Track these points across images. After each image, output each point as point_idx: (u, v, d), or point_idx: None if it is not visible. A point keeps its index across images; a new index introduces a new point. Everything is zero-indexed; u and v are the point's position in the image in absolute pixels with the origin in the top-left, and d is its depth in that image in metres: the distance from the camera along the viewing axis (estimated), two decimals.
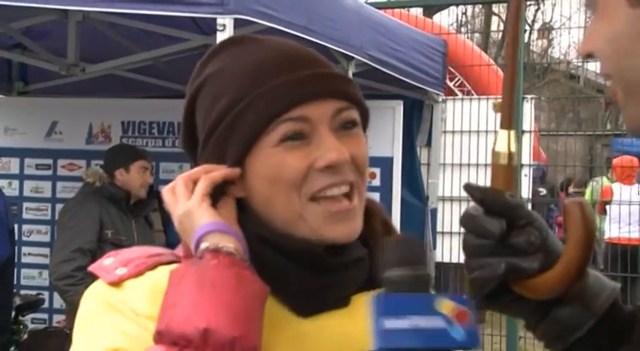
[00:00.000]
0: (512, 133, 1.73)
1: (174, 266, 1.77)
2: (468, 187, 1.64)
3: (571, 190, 19.33)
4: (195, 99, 1.87)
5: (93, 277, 1.85)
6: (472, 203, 1.66)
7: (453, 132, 9.58)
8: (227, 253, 1.65)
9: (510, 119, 1.74)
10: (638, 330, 1.60)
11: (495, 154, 1.71)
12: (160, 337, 1.60)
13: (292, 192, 1.76)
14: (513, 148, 1.72)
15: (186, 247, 1.82)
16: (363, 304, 1.67)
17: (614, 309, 1.64)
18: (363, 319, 1.57)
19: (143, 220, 7.86)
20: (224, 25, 5.51)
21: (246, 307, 1.62)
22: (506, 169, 1.71)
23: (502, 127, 1.72)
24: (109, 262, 1.82)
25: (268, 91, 1.77)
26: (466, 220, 1.64)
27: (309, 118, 1.76)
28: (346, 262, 1.81)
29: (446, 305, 1.49)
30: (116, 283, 1.78)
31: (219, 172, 1.78)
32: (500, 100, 1.76)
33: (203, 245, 1.68)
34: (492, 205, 1.62)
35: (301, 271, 1.78)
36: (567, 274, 1.59)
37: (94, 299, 1.81)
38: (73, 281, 7.17)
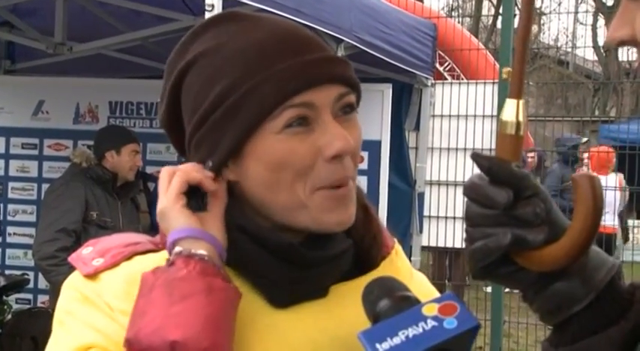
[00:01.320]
0: (522, 102, 1.71)
1: (150, 256, 1.78)
2: (476, 156, 1.63)
3: None
4: (182, 78, 1.83)
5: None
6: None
7: (442, 116, 9.59)
8: (199, 260, 1.64)
9: (520, 88, 1.72)
10: (636, 307, 1.60)
11: (502, 124, 1.69)
12: (129, 345, 1.60)
13: (298, 180, 1.73)
14: (521, 118, 1.70)
15: (162, 237, 1.82)
16: (341, 294, 1.74)
17: (613, 285, 1.63)
18: (339, 309, 1.64)
19: (130, 202, 7.87)
20: (212, 5, 5.54)
21: (216, 317, 1.61)
22: (514, 139, 1.69)
23: (511, 96, 1.71)
24: (87, 252, 1.81)
25: (273, 75, 1.73)
26: (471, 188, 1.64)
27: (314, 104, 1.73)
28: (328, 256, 1.79)
29: (429, 308, 1.53)
30: (92, 275, 1.77)
31: (198, 174, 1.74)
32: (510, 69, 1.75)
33: (176, 249, 1.67)
34: (499, 175, 1.61)
35: (279, 264, 1.77)
36: (574, 247, 1.59)
37: (70, 291, 1.80)
38: (56, 261, 7.20)
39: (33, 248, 7.64)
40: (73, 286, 1.79)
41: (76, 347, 1.74)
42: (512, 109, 1.68)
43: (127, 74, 8.95)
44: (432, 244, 10.11)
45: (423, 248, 10.18)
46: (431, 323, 1.50)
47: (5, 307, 8.62)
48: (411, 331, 1.49)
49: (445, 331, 1.49)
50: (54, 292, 7.35)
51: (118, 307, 1.73)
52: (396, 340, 1.48)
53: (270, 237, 1.77)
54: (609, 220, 13.39)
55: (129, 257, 1.78)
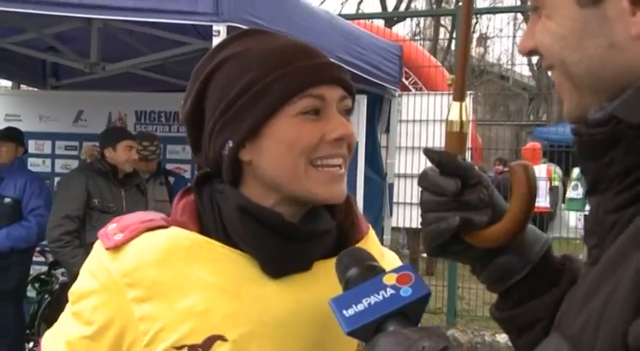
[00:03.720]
0: (464, 104, 1.72)
1: (159, 231, 1.77)
2: (427, 151, 1.63)
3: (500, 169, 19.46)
4: (210, 77, 1.81)
5: (80, 240, 1.85)
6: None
7: (407, 121, 9.63)
8: None
9: (462, 92, 1.74)
10: (565, 276, 1.60)
11: (449, 123, 1.70)
12: None
13: (302, 156, 1.74)
14: (465, 117, 1.71)
15: (172, 216, 1.84)
16: (322, 269, 1.74)
17: (547, 257, 1.64)
18: (319, 282, 1.63)
19: (135, 188, 7.75)
20: (219, 31, 5.49)
21: None
22: (459, 136, 1.70)
23: (455, 99, 1.72)
24: (111, 228, 1.80)
25: (294, 70, 1.75)
26: (423, 179, 1.64)
27: (325, 97, 1.75)
28: (316, 232, 1.79)
29: (389, 277, 1.53)
30: (111, 248, 1.75)
31: None
32: (454, 76, 1.77)
33: None
34: (447, 166, 1.61)
35: (276, 239, 1.76)
36: (512, 227, 1.59)
37: (93, 260, 1.81)
38: (61, 244, 7.15)
39: (46, 232, 7.55)
40: (96, 258, 1.80)
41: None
42: (456, 110, 1.70)
43: (150, 88, 8.92)
44: (400, 225, 10.16)
45: (393, 229, 10.20)
46: (390, 291, 1.50)
47: (53, 279, 8.64)
48: (373, 299, 1.49)
49: (401, 298, 1.49)
50: (68, 271, 7.36)
51: (124, 271, 1.73)
52: (360, 307, 1.48)
53: (270, 216, 1.75)
54: (540, 202, 13.55)
55: (143, 232, 1.76)
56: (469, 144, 9.42)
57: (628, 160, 1.24)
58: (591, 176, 1.33)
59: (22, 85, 10.10)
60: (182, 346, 1.70)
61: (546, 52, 1.37)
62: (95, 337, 1.77)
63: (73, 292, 1.83)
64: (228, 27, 5.51)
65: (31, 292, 8.46)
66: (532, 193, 1.58)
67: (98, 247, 1.80)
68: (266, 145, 1.75)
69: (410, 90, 12.66)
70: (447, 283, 10.02)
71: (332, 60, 1.83)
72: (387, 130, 9.36)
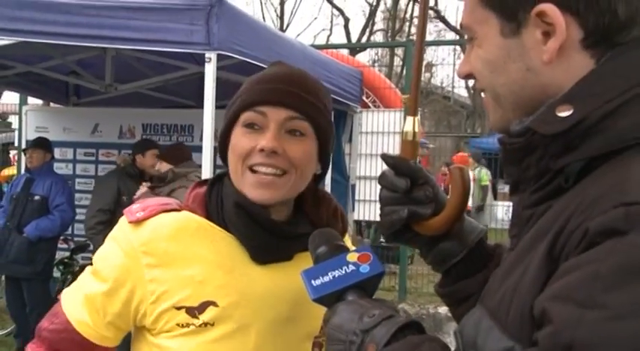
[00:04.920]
0: (416, 118, 1.73)
1: (173, 213, 1.81)
2: (384, 156, 1.63)
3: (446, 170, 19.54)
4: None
5: (110, 229, 1.86)
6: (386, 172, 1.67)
7: (367, 133, 9.61)
8: None
9: (415, 108, 1.74)
10: (495, 259, 1.60)
11: (404, 133, 1.70)
12: None
13: (239, 161, 1.76)
14: (417, 129, 1.71)
15: (185, 203, 1.87)
16: (301, 259, 1.74)
17: (481, 244, 1.66)
18: (296, 270, 1.61)
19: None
20: (210, 58, 5.47)
21: None
22: (411, 144, 1.71)
23: (409, 114, 1.73)
24: (135, 207, 1.83)
25: (256, 90, 1.78)
26: (382, 178, 1.64)
27: (267, 114, 1.75)
28: (295, 234, 1.80)
29: (351, 256, 1.54)
30: (134, 222, 1.78)
31: None
32: (408, 96, 1.78)
33: None
34: (400, 168, 1.62)
35: (263, 232, 1.77)
36: (450, 218, 1.60)
37: (117, 231, 1.83)
38: (95, 231, 7.25)
39: (84, 222, 7.65)
40: (120, 227, 1.82)
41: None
42: (410, 123, 1.70)
43: (155, 105, 8.85)
44: (361, 218, 10.16)
45: (355, 221, 10.21)
46: (351, 268, 1.52)
47: (74, 262, 8.56)
48: (337, 273, 1.51)
49: (360, 274, 1.51)
50: (96, 250, 7.29)
51: (141, 242, 1.76)
52: (326, 279, 1.51)
53: (259, 213, 1.77)
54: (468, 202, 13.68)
55: (160, 212, 1.79)
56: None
57: (541, 165, 1.25)
58: (513, 178, 1.33)
59: (50, 103, 10.04)
60: (181, 307, 1.73)
61: (478, 75, 1.37)
62: (110, 292, 1.79)
63: (98, 255, 1.85)
64: (218, 55, 5.52)
65: (56, 274, 8.40)
66: (466, 190, 1.60)
67: (122, 221, 1.82)
68: (229, 152, 1.81)
69: (369, 107, 12.62)
70: (400, 266, 10.02)
71: (302, 91, 1.80)
72: (350, 140, 9.36)
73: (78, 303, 1.84)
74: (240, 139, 1.76)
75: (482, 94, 1.38)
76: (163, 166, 6.85)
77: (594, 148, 1.18)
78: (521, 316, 1.15)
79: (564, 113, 1.20)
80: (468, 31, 1.37)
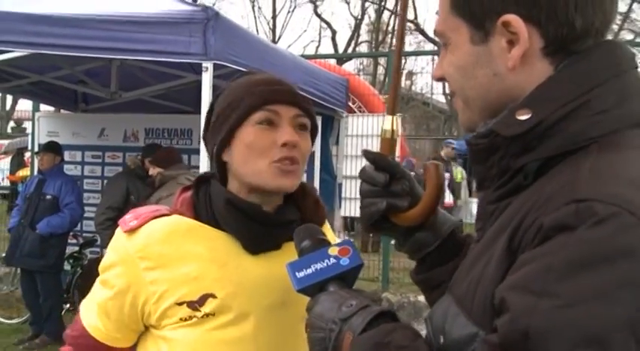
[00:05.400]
0: (395, 117, 1.72)
1: (163, 218, 1.81)
2: (365, 152, 1.64)
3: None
4: (215, 102, 1.87)
5: (117, 225, 1.87)
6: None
7: (352, 136, 9.59)
8: None
9: (394, 108, 1.74)
10: (465, 249, 1.61)
11: (383, 131, 1.69)
12: None
13: (259, 156, 1.75)
14: (395, 127, 1.71)
15: (173, 207, 1.87)
16: (289, 248, 1.72)
17: (453, 234, 1.66)
18: (285, 259, 1.61)
19: None
20: (207, 67, 5.48)
21: None
22: (390, 141, 1.70)
23: (388, 113, 1.72)
24: (128, 217, 1.83)
25: (259, 91, 1.78)
26: (362, 173, 1.64)
27: (279, 112, 1.76)
28: (284, 221, 1.80)
29: (333, 249, 1.55)
30: (128, 231, 1.79)
31: None
32: (387, 96, 1.78)
33: None
34: (380, 164, 1.62)
35: (253, 224, 1.78)
36: (425, 210, 1.60)
37: (115, 241, 1.84)
38: (104, 227, 7.27)
39: (94, 218, 7.67)
40: (117, 238, 1.83)
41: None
42: (389, 122, 1.69)
43: (156, 111, 8.84)
44: (347, 214, 10.15)
45: (342, 217, 10.21)
46: (332, 260, 1.52)
47: (83, 256, 8.59)
48: (319, 265, 1.51)
49: (340, 266, 1.51)
50: (104, 245, 7.39)
51: (136, 250, 1.76)
52: (309, 271, 1.51)
53: (249, 206, 1.77)
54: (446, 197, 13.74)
55: (151, 219, 1.80)
56: (399, 152, 9.44)
57: (502, 164, 1.26)
58: (478, 176, 1.34)
59: (60, 110, 10.02)
60: (182, 302, 1.74)
61: (450, 79, 1.37)
62: (117, 297, 1.80)
63: (102, 265, 1.86)
64: (214, 64, 5.52)
65: (66, 267, 8.39)
66: (440, 185, 1.60)
67: (118, 231, 1.83)
68: (236, 148, 1.78)
69: (355, 112, 12.61)
70: (382, 257, 10.02)
71: (296, 90, 1.83)
72: (337, 143, 9.35)
73: (91, 310, 1.87)
74: (257, 136, 1.76)
75: (453, 98, 1.39)
76: (155, 171, 6.83)
77: (550, 149, 1.20)
78: (484, 304, 1.16)
79: (523, 117, 1.21)
80: (442, 38, 1.38)
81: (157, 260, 1.76)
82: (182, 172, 6.70)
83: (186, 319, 1.74)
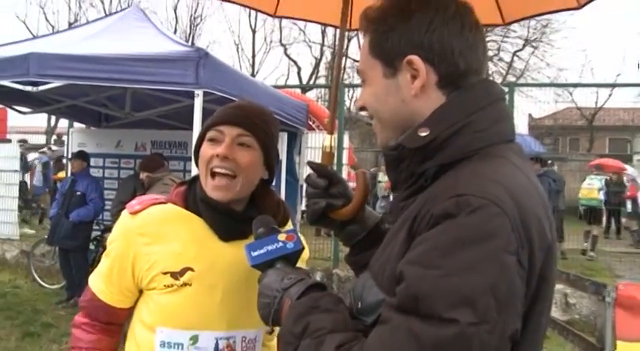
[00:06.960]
0: (333, 136, 1.75)
1: (160, 205, 1.79)
2: (310, 163, 1.64)
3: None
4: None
5: None
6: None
7: (311, 148, 9.57)
8: None
9: (332, 128, 1.77)
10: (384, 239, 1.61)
11: (324, 146, 1.73)
12: None
13: (203, 166, 1.74)
14: (333, 144, 1.74)
15: (169, 197, 1.84)
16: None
17: (377, 227, 1.64)
18: None
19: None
20: (198, 94, 5.51)
21: None
22: (329, 154, 1.72)
23: (328, 132, 1.75)
24: (134, 202, 1.81)
25: (218, 114, 1.75)
26: (308, 178, 1.64)
27: (223, 131, 1.72)
28: (246, 217, 1.74)
29: (281, 236, 1.53)
30: (133, 213, 1.78)
31: None
32: (327, 119, 1.80)
33: None
34: (321, 172, 1.62)
35: (224, 218, 1.76)
36: (355, 208, 1.60)
37: (121, 220, 1.82)
38: (117, 217, 7.03)
39: (109, 209, 7.67)
40: (123, 217, 1.81)
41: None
42: (328, 139, 1.72)
43: (160, 127, 8.74)
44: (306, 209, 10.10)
45: (302, 211, 10.17)
46: (280, 244, 1.50)
47: (104, 239, 8.36)
48: (270, 247, 1.50)
49: (286, 249, 1.50)
50: None
51: (137, 229, 1.76)
52: (262, 251, 1.49)
53: (218, 204, 1.75)
54: None
55: (152, 205, 1.79)
56: (348, 161, 9.32)
57: (408, 170, 1.26)
58: (392, 180, 1.33)
59: (90, 126, 9.90)
60: (167, 272, 1.72)
61: (368, 107, 1.36)
62: (118, 264, 1.79)
63: (109, 238, 1.84)
64: (204, 92, 5.55)
65: (91, 247, 8.29)
66: (366, 188, 1.60)
67: (124, 212, 1.81)
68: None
69: (314, 129, 12.63)
70: (333, 241, 10.01)
71: (252, 116, 1.76)
72: (300, 153, 9.31)
73: (98, 278, 1.85)
74: (204, 150, 1.74)
75: (372, 121, 1.37)
76: (144, 175, 6.76)
77: (444, 158, 1.21)
78: (391, 277, 1.16)
79: (423, 133, 1.23)
80: (362, 75, 1.37)
81: (152, 237, 1.74)
82: (166, 174, 6.69)
83: (168, 287, 1.72)
